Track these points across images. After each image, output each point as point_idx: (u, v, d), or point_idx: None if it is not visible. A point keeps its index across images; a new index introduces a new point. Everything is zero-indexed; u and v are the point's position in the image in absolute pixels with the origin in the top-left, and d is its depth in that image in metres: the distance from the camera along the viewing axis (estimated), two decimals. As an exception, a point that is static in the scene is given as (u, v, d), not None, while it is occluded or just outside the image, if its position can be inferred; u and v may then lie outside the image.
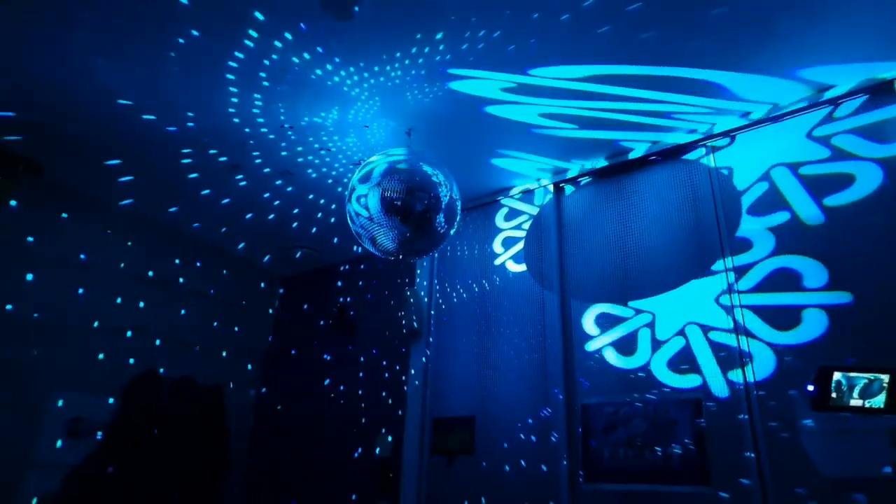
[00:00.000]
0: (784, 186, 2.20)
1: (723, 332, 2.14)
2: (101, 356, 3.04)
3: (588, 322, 2.50)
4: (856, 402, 1.63)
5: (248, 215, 3.28)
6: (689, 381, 2.15)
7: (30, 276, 2.83)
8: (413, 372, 2.93)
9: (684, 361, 2.19)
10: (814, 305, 1.99)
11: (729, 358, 2.09)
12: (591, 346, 2.44)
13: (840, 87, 2.17)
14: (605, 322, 2.45)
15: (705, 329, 2.19)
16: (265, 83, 2.23)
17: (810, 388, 1.65)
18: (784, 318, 2.03)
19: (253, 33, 1.99)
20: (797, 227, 2.11)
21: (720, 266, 2.23)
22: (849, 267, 1.96)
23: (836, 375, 1.64)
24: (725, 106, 2.31)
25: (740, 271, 2.18)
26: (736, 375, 2.05)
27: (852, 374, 1.63)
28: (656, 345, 2.28)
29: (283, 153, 2.69)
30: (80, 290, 3.05)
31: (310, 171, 2.83)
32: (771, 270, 2.12)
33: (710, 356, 2.14)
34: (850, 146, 2.11)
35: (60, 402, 2.85)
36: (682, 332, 2.24)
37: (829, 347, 1.91)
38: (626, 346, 2.35)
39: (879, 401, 1.61)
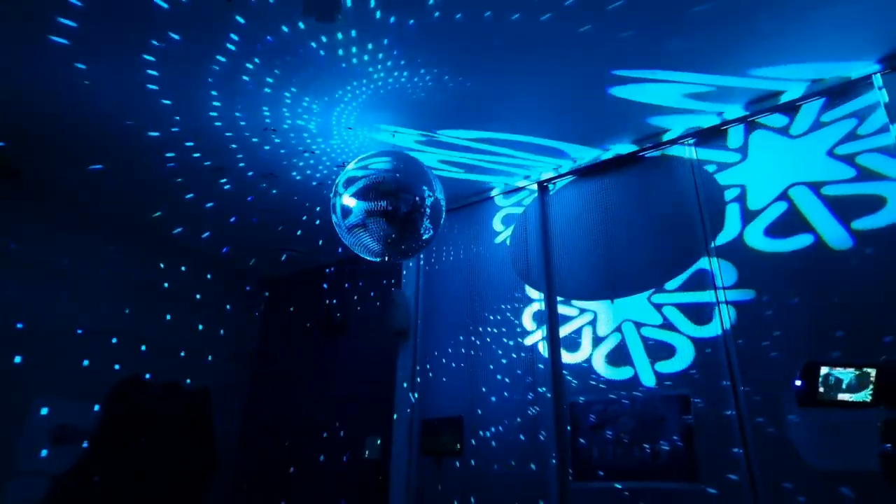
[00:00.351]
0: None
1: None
2: (85, 363, 3.00)
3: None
4: (843, 396, 1.63)
5: (233, 218, 3.25)
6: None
7: (12, 283, 2.78)
8: (401, 373, 2.92)
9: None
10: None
11: (714, 355, 2.10)
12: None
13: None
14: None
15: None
16: (248, 87, 2.20)
17: (798, 383, 1.65)
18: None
19: (234, 36, 1.96)
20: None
21: (705, 265, 2.24)
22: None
23: (823, 370, 1.64)
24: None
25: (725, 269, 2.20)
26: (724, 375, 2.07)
27: (839, 369, 1.63)
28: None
29: (267, 156, 2.66)
30: (64, 297, 3.00)
31: (294, 173, 2.81)
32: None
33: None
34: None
35: (45, 410, 2.81)
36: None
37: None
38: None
39: (866, 394, 1.61)
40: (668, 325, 2.24)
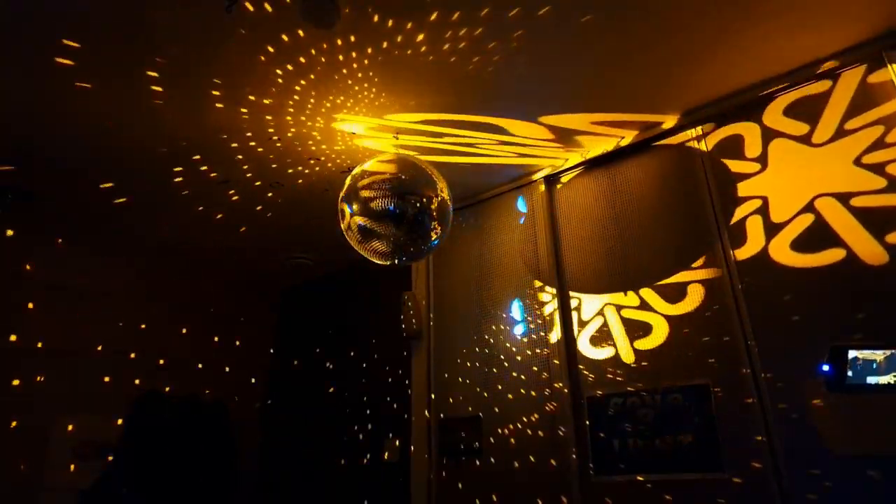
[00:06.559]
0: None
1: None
2: (105, 379, 3.05)
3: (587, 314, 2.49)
4: (873, 379, 1.58)
5: (242, 229, 3.27)
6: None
7: (31, 304, 2.84)
8: (416, 374, 2.92)
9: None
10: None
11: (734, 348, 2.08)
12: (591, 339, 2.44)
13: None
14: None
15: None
16: (251, 96, 2.22)
17: (825, 368, 1.60)
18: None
19: (235, 47, 1.98)
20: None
21: (718, 252, 2.22)
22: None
23: (851, 353, 1.58)
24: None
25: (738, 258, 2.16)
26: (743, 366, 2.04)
27: (867, 351, 1.58)
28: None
29: (273, 165, 2.68)
30: (81, 315, 3.05)
31: (300, 180, 2.83)
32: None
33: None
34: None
35: (69, 427, 2.86)
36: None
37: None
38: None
39: (896, 376, 1.56)
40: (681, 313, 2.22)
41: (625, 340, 2.33)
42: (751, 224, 2.16)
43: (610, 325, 2.40)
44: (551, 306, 2.59)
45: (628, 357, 2.30)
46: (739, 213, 2.19)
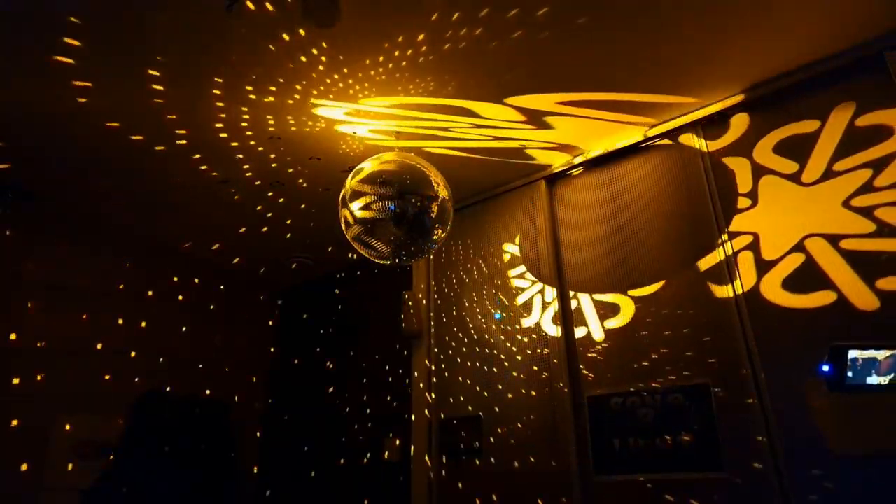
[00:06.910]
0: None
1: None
2: (106, 378, 3.05)
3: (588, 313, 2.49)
4: (873, 379, 1.57)
5: (242, 229, 3.27)
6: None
7: (32, 304, 2.83)
8: (416, 374, 2.92)
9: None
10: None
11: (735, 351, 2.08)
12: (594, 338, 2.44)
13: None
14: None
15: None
16: (252, 96, 2.22)
17: (825, 368, 1.60)
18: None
19: (235, 46, 1.98)
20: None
21: (719, 252, 2.22)
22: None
23: (851, 353, 1.58)
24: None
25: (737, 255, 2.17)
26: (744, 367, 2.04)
27: (868, 351, 1.57)
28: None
29: (273, 164, 2.68)
30: (82, 314, 3.05)
31: (300, 180, 2.83)
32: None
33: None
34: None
35: (68, 426, 2.85)
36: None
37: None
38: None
39: (899, 377, 1.55)
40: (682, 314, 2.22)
41: (620, 337, 2.33)
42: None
43: (606, 323, 2.40)
44: (551, 306, 2.58)
45: (624, 356, 2.30)
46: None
